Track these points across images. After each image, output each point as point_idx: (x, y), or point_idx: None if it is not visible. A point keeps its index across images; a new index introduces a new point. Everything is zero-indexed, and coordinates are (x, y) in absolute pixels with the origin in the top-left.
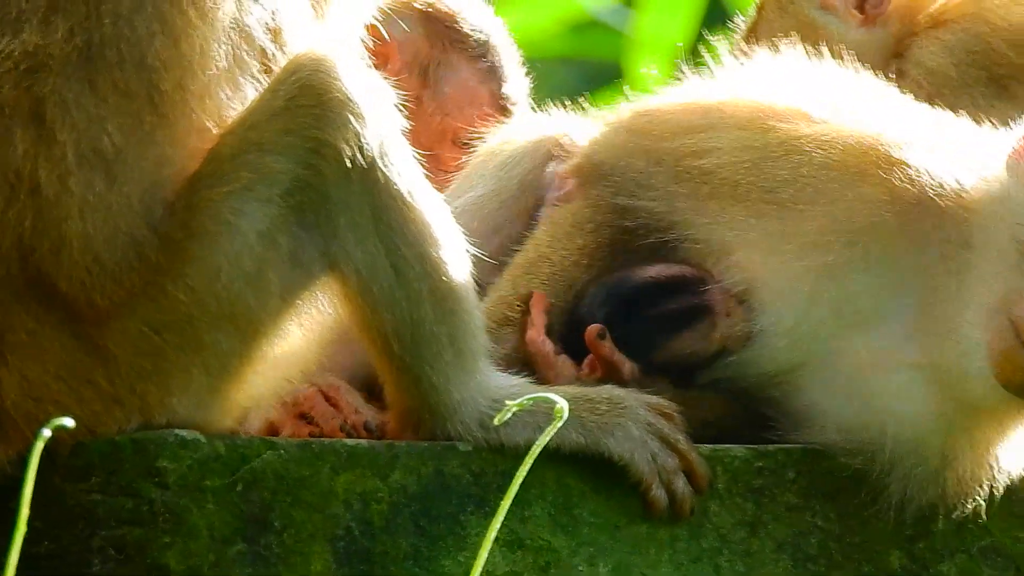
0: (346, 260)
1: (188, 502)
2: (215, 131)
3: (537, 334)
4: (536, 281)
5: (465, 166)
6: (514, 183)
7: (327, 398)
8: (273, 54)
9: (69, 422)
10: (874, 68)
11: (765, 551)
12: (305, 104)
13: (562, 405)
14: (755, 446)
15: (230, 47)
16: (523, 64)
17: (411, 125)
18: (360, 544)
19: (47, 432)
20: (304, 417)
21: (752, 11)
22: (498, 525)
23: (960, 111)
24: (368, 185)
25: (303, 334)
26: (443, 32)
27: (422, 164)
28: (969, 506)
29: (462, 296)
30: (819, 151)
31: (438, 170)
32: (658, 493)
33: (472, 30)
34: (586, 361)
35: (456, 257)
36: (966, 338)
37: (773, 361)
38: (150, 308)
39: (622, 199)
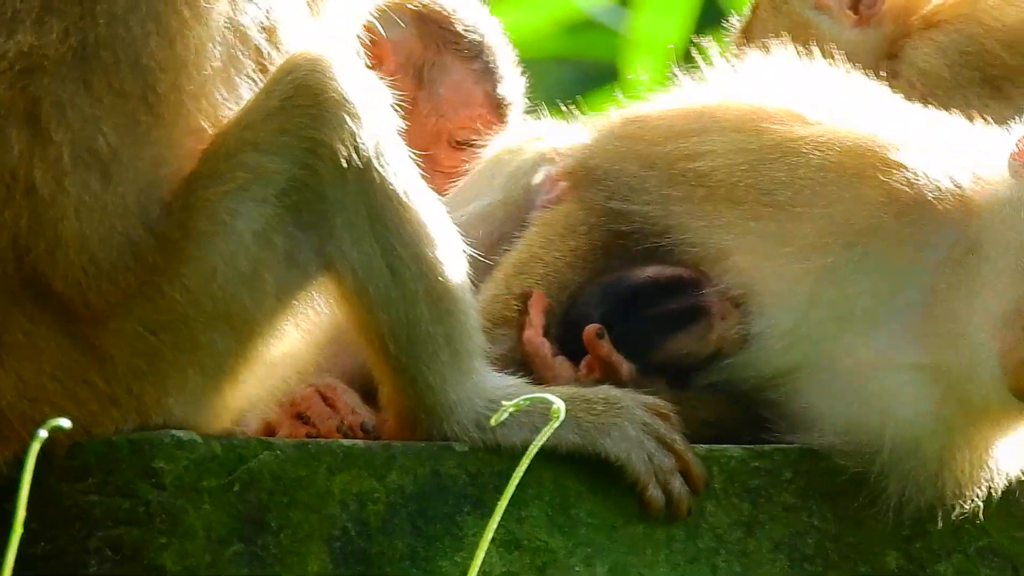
0: (342, 260)
1: (184, 502)
2: (211, 131)
3: (535, 334)
4: (530, 281)
5: (468, 172)
6: (522, 193)
7: (324, 398)
8: (268, 53)
9: (65, 423)
10: (867, 69)
11: (762, 551)
12: (301, 104)
13: (558, 405)
14: (752, 446)
15: (225, 46)
16: (518, 64)
17: (406, 126)
18: (357, 544)
19: (43, 433)
20: (301, 417)
21: (746, 11)
22: (495, 525)
23: (953, 112)
24: (364, 185)
25: (299, 334)
26: (437, 33)
27: (418, 164)
28: (967, 507)
29: (458, 296)
30: (816, 153)
31: (434, 171)
32: (655, 493)
33: (466, 30)
34: (584, 361)
35: (452, 257)
36: (976, 344)
37: (771, 363)
38: (146, 308)
39: (615, 203)
